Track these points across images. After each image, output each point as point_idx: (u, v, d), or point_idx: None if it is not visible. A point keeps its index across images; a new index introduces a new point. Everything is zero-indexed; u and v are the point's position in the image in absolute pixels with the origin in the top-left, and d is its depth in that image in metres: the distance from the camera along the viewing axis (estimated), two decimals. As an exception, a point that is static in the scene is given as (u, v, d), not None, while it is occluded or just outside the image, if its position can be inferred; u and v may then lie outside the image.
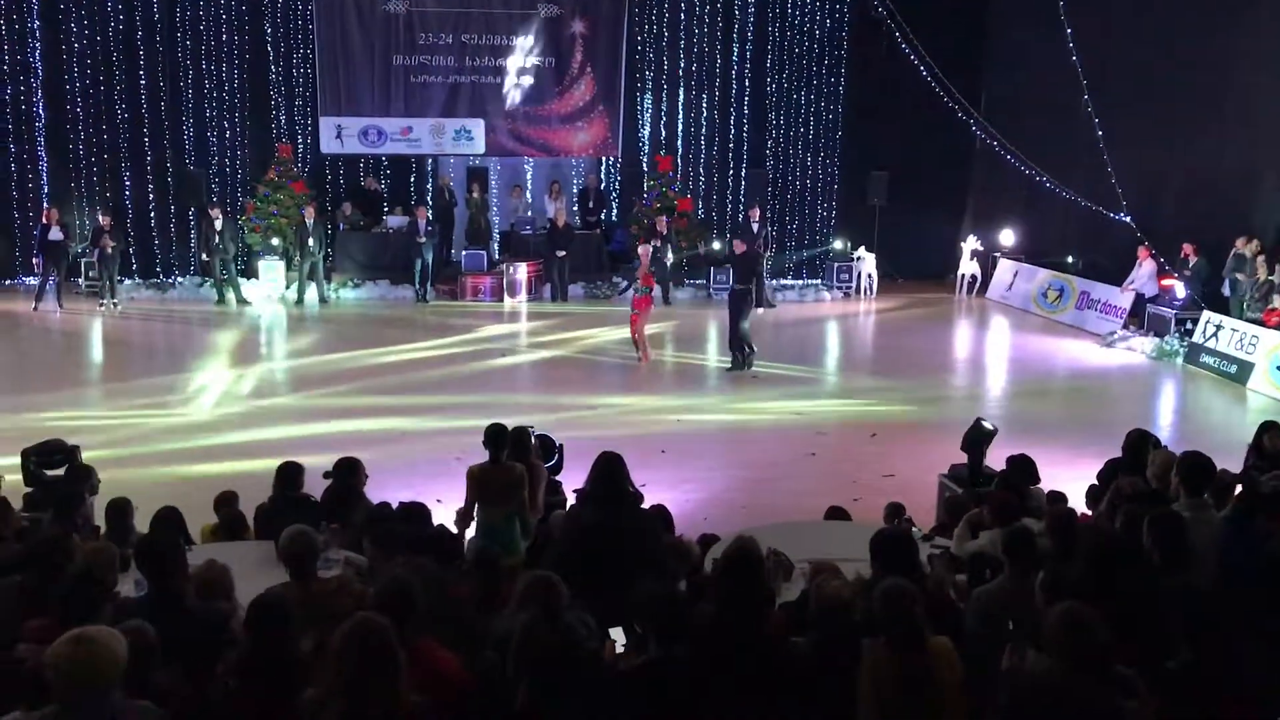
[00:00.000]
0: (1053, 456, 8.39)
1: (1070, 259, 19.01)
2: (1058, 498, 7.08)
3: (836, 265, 20.29)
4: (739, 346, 13.87)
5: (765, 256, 19.36)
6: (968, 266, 20.06)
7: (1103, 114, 16.75)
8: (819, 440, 11.26)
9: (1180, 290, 15.92)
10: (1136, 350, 15.68)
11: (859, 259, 19.95)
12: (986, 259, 20.17)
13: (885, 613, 3.95)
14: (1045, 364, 15.52)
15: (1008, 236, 20.13)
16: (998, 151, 18.65)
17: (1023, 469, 6.88)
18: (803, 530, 6.92)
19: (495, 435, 6.69)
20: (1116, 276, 17.18)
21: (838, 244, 20.46)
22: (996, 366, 15.91)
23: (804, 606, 4.76)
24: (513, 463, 6.58)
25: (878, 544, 4.79)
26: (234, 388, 12.93)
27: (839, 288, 20.12)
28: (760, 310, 18.36)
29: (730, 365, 13.97)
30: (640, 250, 14.50)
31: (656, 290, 18.63)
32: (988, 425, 7.92)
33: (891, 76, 19.28)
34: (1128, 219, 16.79)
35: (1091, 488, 7.30)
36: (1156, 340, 15.58)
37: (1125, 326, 16.48)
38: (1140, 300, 16.56)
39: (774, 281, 20.10)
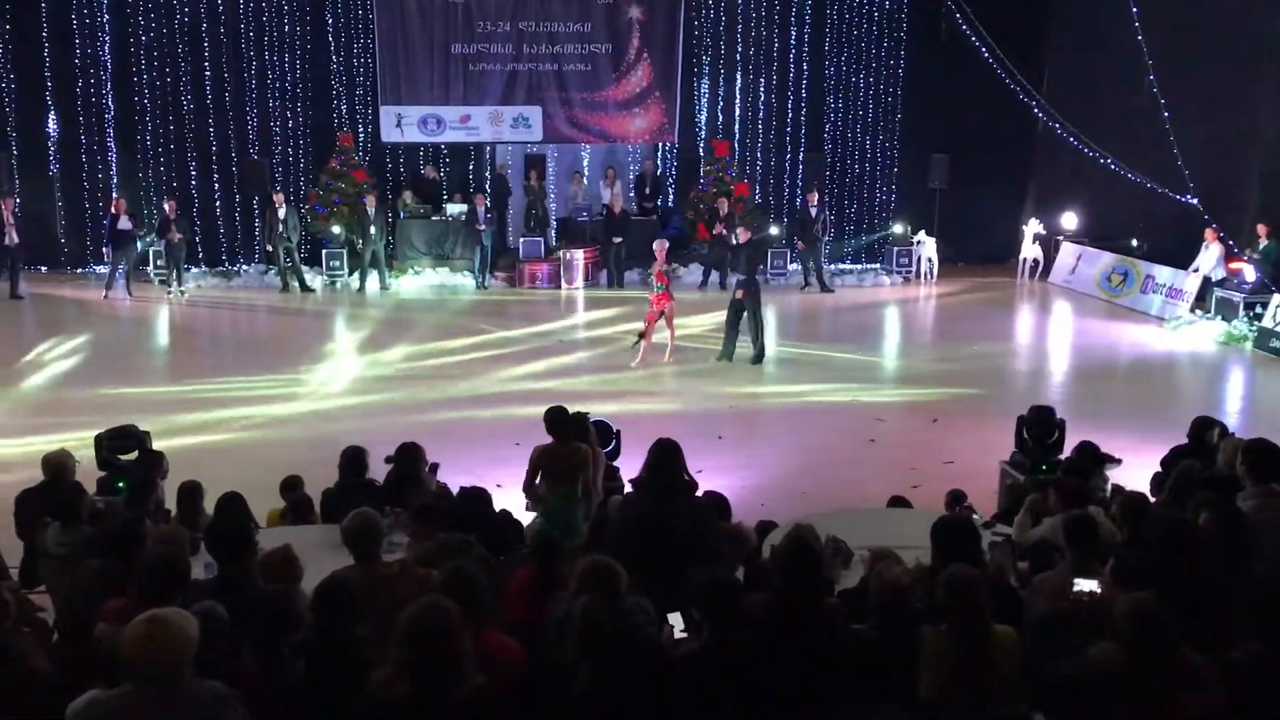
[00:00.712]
0: (1117, 443, 8.24)
1: (1135, 242, 18.65)
2: (1118, 491, 6.98)
3: (896, 249, 20.09)
4: (758, 336, 13.68)
5: (824, 241, 19.26)
6: (1030, 250, 19.76)
7: (1169, 92, 16.40)
8: (878, 426, 11.19)
9: (1249, 273, 15.56)
10: (1203, 335, 15.37)
11: (919, 243, 19.73)
12: (1049, 242, 19.85)
13: (949, 600, 3.93)
14: (1109, 349, 15.27)
15: (1070, 219, 19.80)
16: (1060, 133, 18.34)
17: (1088, 456, 6.80)
18: (862, 517, 6.91)
19: (558, 417, 6.77)
20: (1183, 260, 16.83)
21: (897, 228, 20.25)
22: (1059, 351, 15.68)
23: (863, 593, 4.76)
24: (577, 443, 6.66)
25: (939, 531, 4.77)
26: (300, 375, 13.12)
27: (899, 272, 19.93)
28: (806, 289, 18.35)
29: (755, 358, 13.66)
30: (655, 246, 13.80)
31: (705, 273, 18.70)
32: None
33: (951, 57, 19.01)
34: (1194, 200, 16.44)
35: (1156, 475, 7.19)
36: (1224, 325, 15.26)
37: (1192, 311, 16.16)
38: (1207, 284, 16.22)
39: (833, 266, 19.98)
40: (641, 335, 13.42)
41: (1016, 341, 16.09)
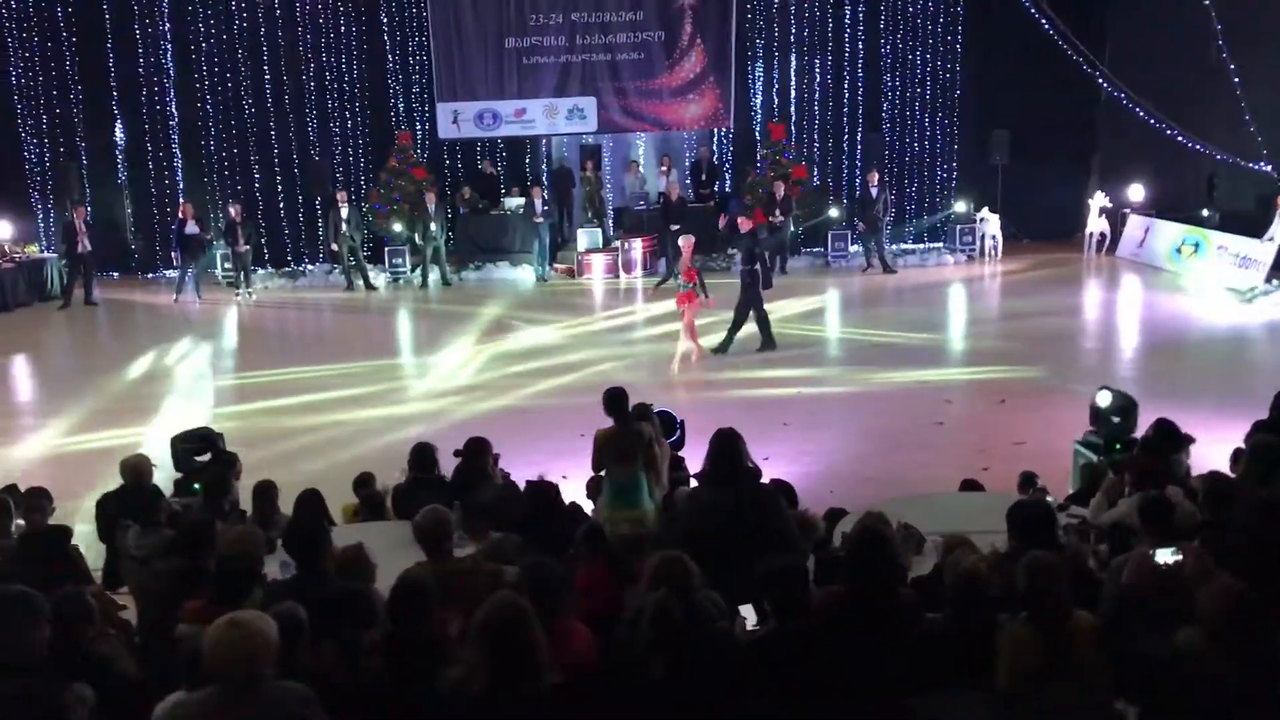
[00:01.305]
0: (1192, 420, 8.04)
1: (1205, 212, 18.20)
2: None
3: (959, 228, 19.81)
4: (765, 327, 13.44)
5: (885, 222, 19.04)
6: (1096, 224, 19.37)
7: (1237, 57, 15.95)
8: (945, 408, 11.05)
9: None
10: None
11: (982, 220, 19.43)
12: (1115, 215, 19.44)
13: (1029, 587, 3.86)
14: (1181, 323, 14.91)
15: (1137, 191, 19.37)
16: (1125, 103, 17.93)
17: (1165, 434, 6.64)
18: (933, 502, 6.83)
19: (616, 398, 6.79)
20: (1256, 229, 16.38)
21: (959, 206, 19.95)
22: (1129, 327, 15.36)
23: (936, 581, 4.70)
24: (638, 425, 6.66)
25: (1015, 516, 4.69)
26: (367, 371, 13.27)
27: (962, 251, 19.65)
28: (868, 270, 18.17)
29: (761, 345, 13.44)
30: (681, 243, 13.18)
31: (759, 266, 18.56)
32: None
33: (1011, 31, 18.67)
34: (1268, 167, 15.98)
35: (1237, 450, 7.01)
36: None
37: (1267, 281, 15.72)
38: (1283, 252, 15.78)
39: (895, 247, 19.75)
40: (688, 336, 12.83)
41: (1085, 317, 15.78)
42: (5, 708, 3.69)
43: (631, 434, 6.68)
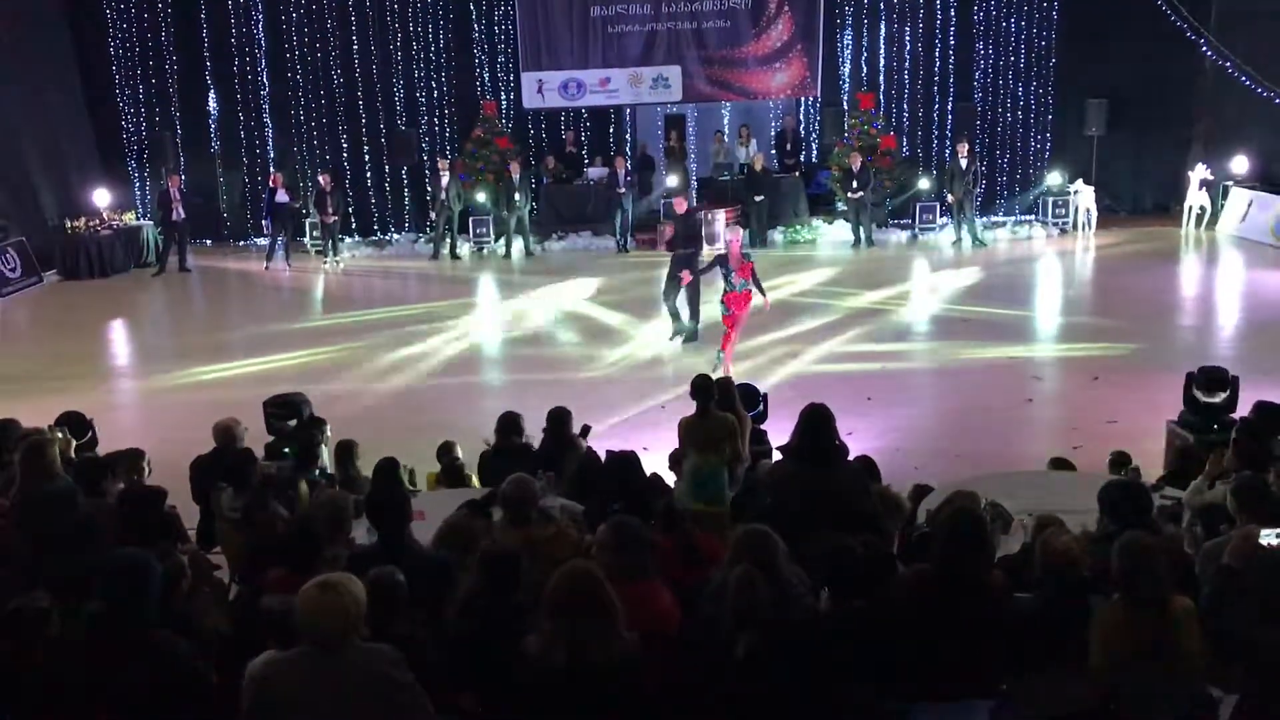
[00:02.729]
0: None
1: (1313, 185, 17.51)
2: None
3: (1052, 200, 19.31)
4: (694, 314, 12.66)
5: (975, 193, 18.65)
6: (1196, 198, 18.71)
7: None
8: (1035, 385, 10.83)
9: None
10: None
11: (1076, 193, 18.90)
12: (1217, 188, 18.75)
13: (1127, 569, 3.76)
14: (1286, 300, 14.40)
15: (1241, 163, 18.66)
16: (1230, 72, 17.27)
17: (1266, 415, 6.42)
18: (1021, 480, 6.70)
19: (701, 387, 6.77)
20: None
21: (1053, 178, 19.43)
22: (1229, 304, 14.85)
23: (1024, 561, 4.61)
24: (723, 413, 6.63)
25: (1108, 495, 4.58)
26: (451, 339, 13.42)
27: (1055, 224, 19.16)
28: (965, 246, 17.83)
29: (676, 334, 12.70)
30: (730, 238, 11.83)
31: (854, 229, 18.33)
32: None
33: (1110, -5, 18.10)
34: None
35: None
36: None
37: (1379, 257, 15.11)
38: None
39: (985, 219, 19.34)
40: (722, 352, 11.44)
41: (1182, 294, 15.31)
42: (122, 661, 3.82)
43: (713, 423, 6.64)
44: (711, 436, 6.57)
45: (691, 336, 12.69)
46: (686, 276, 12.30)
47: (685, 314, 12.71)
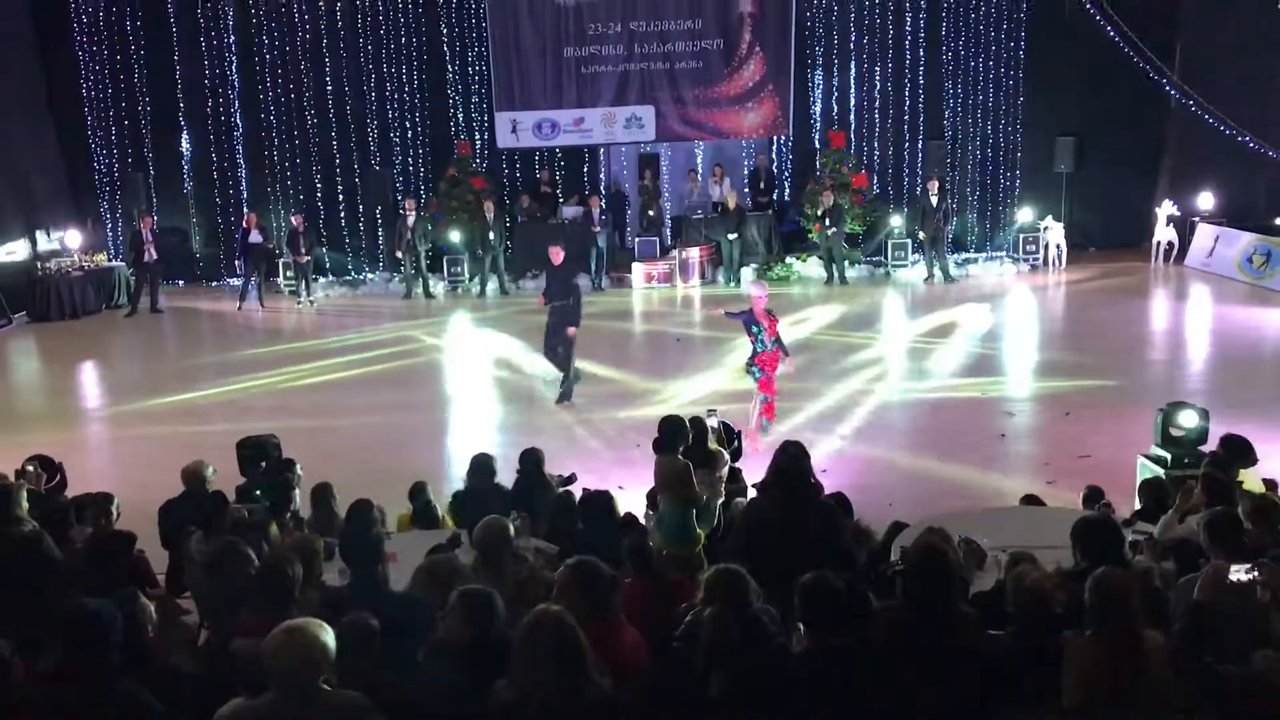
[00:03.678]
0: (1266, 434, 7.87)
1: (1278, 220, 17.75)
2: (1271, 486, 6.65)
3: (1022, 236, 19.51)
4: (572, 371, 12.04)
5: (946, 230, 18.83)
6: (1164, 233, 18.96)
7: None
8: (1007, 420, 10.88)
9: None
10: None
11: (1046, 229, 19.12)
12: (1184, 224, 19.03)
13: (1099, 605, 3.77)
14: (1253, 335, 14.55)
15: (1206, 199, 18.94)
16: (1194, 110, 17.57)
17: (1235, 449, 6.48)
18: (995, 517, 6.72)
19: (661, 428, 6.75)
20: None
21: (1023, 214, 19.65)
22: (1198, 338, 15.01)
23: (998, 597, 4.61)
24: (675, 457, 6.59)
25: (1081, 531, 4.59)
26: (424, 379, 13.37)
27: (1025, 260, 19.35)
28: (931, 280, 17.97)
29: (564, 397, 11.95)
30: (757, 293, 10.61)
31: (826, 266, 18.45)
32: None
33: (1076, 36, 18.38)
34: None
35: (1311, 468, 6.82)
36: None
37: (1343, 291, 15.33)
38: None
39: (956, 256, 19.51)
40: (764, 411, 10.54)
41: (1152, 328, 15.47)
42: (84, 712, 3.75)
43: (671, 468, 6.60)
44: (668, 477, 6.55)
45: (569, 395, 11.96)
46: (572, 331, 11.76)
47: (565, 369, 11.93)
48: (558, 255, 12.39)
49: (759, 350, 10.20)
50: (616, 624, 4.26)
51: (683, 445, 6.69)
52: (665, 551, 6.23)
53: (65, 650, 3.82)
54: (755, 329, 10.24)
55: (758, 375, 10.30)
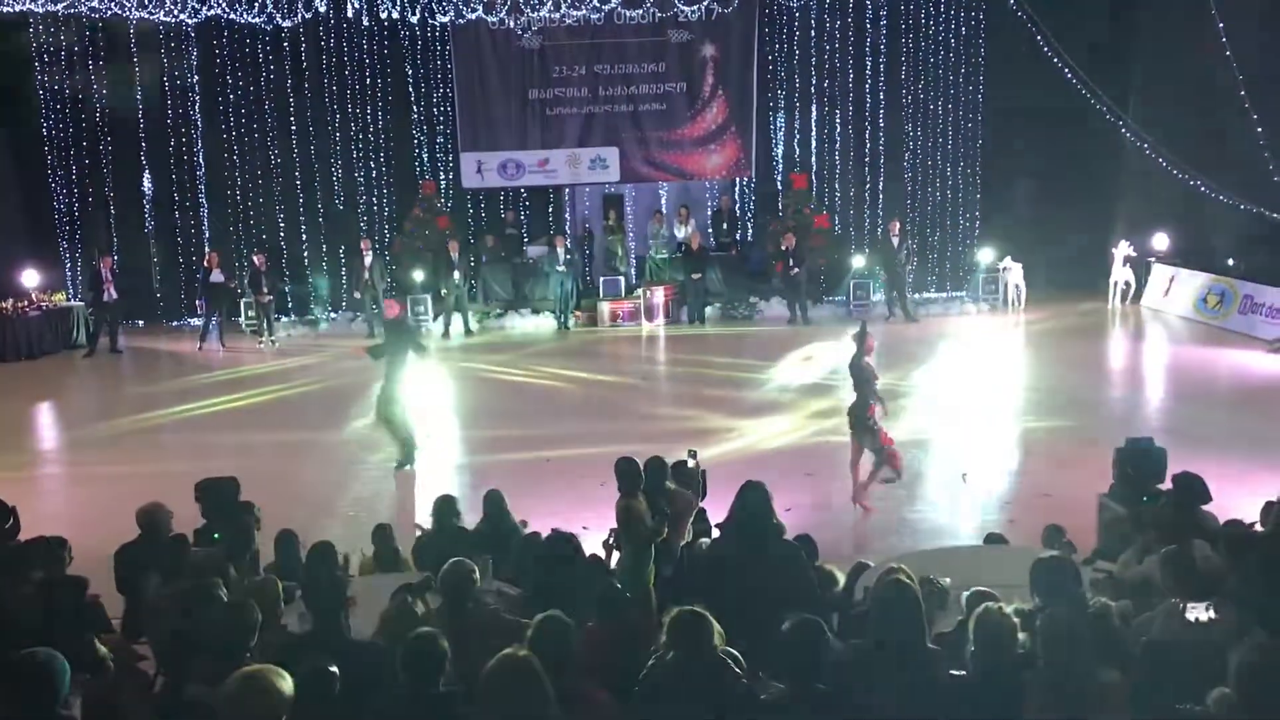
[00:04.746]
0: (1223, 471, 7.98)
1: (1231, 261, 18.10)
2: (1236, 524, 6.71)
3: (982, 277, 19.76)
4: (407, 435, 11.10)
5: (909, 269, 19.04)
6: (1120, 273, 19.27)
7: (1261, 108, 15.93)
8: (970, 461, 10.94)
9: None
10: (1309, 355, 14.83)
11: (1005, 269, 19.38)
12: (1140, 265, 19.35)
13: (1050, 646, 3.79)
14: (1208, 373, 14.78)
15: (1162, 240, 19.29)
16: (1149, 153, 17.92)
17: (1190, 488, 6.55)
18: (957, 555, 6.75)
19: (619, 469, 6.73)
20: (1283, 278, 16.28)
21: (983, 255, 19.89)
22: (1155, 377, 15.23)
23: (961, 637, 4.63)
24: (623, 498, 6.58)
25: (1038, 572, 4.62)
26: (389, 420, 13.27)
27: (985, 300, 19.59)
28: (896, 318, 18.12)
29: (405, 462, 11.06)
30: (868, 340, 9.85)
31: (789, 306, 18.56)
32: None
33: (1033, 80, 18.73)
34: (1292, 217, 15.92)
35: (1268, 504, 6.90)
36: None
37: (1295, 330, 15.59)
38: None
39: (917, 295, 19.71)
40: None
41: (1110, 367, 15.66)
42: None
43: (622, 509, 6.58)
44: (621, 519, 6.54)
45: (410, 459, 11.11)
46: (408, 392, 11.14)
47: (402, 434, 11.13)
48: (393, 308, 12.08)
49: (872, 401, 9.50)
50: (585, 690, 4.15)
51: (638, 486, 6.67)
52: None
53: (9, 701, 3.72)
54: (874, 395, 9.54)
55: (875, 427, 9.47)
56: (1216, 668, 4.00)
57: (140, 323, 19.82)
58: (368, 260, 18.54)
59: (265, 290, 18.19)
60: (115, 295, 17.98)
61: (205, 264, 18.58)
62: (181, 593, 5.73)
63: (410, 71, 20.07)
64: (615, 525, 6.81)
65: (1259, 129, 15.91)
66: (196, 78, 19.62)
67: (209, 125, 19.75)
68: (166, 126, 19.60)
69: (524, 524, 7.48)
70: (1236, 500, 7.48)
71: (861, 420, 9.40)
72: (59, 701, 3.78)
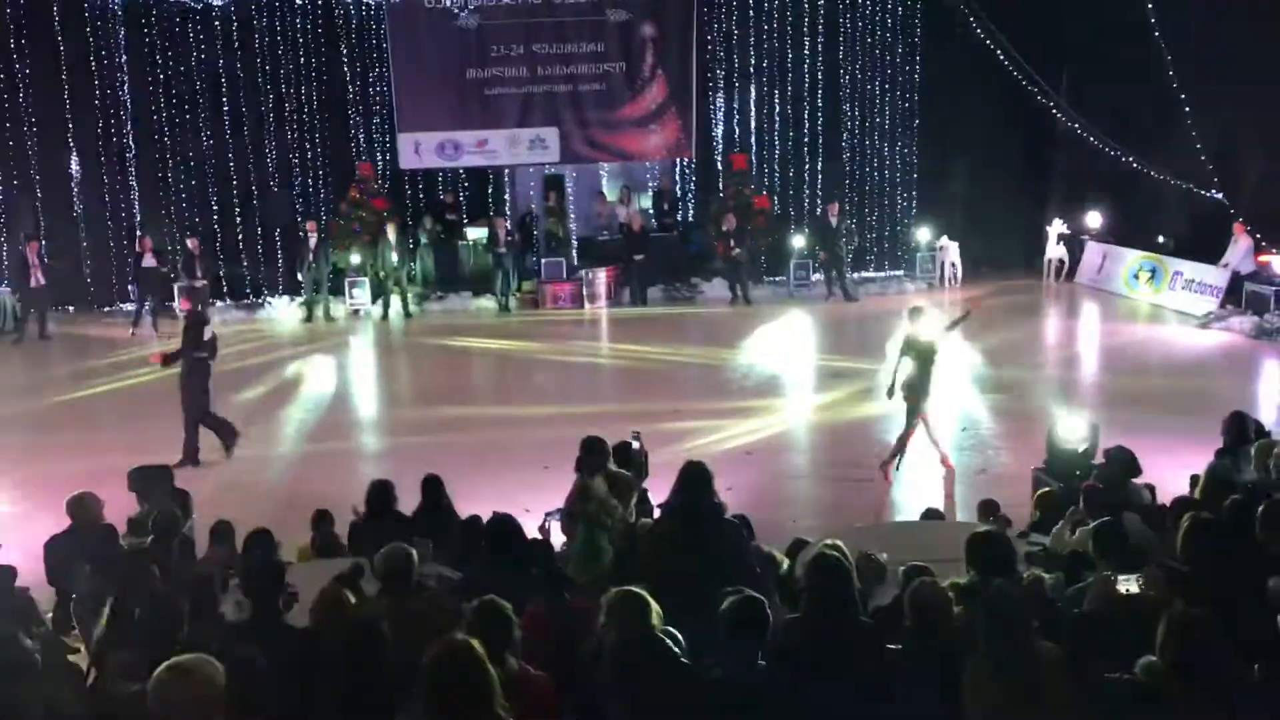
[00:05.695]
0: (1153, 445, 8.14)
1: (1161, 239, 18.46)
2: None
3: (919, 255, 19.96)
4: (219, 425, 10.89)
5: (848, 250, 19.17)
6: (1054, 251, 19.58)
7: (1188, 87, 16.24)
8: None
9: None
10: (1235, 330, 15.19)
11: (942, 248, 19.60)
12: (1074, 242, 19.67)
13: (991, 620, 3.85)
14: (1140, 348, 15.09)
15: (1095, 218, 19.60)
16: (1081, 132, 18.19)
17: (1122, 462, 6.69)
18: (895, 531, 6.83)
19: (583, 447, 6.72)
20: (1212, 255, 16.63)
21: (920, 234, 20.09)
22: (1088, 353, 15.50)
23: (897, 611, 4.68)
24: (581, 477, 6.58)
25: (973, 547, 4.69)
26: (325, 405, 13.14)
27: (922, 278, 19.80)
28: (841, 298, 18.27)
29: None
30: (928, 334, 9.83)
31: (731, 287, 18.64)
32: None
33: (967, 61, 18.93)
34: (1219, 195, 16.24)
35: (1194, 477, 7.07)
36: (1256, 319, 15.06)
37: (1222, 306, 15.96)
38: (1238, 278, 16.02)
39: (856, 275, 19.86)
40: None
41: (1045, 344, 15.92)
42: None
43: (579, 490, 6.58)
44: (583, 499, 6.54)
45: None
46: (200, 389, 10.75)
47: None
48: (186, 303, 11.67)
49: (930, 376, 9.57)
50: (525, 673, 4.13)
51: (602, 466, 6.67)
52: (576, 576, 6.18)
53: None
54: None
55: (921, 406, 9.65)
56: (1146, 637, 4.09)
57: (70, 308, 19.34)
58: (312, 242, 18.27)
59: (200, 274, 17.85)
60: (43, 280, 17.54)
61: (138, 249, 18.19)
62: (110, 584, 5.64)
63: (345, 50, 19.74)
64: (560, 506, 6.80)
65: (1186, 108, 16.20)
66: (124, 58, 19.14)
67: (138, 106, 19.27)
68: (95, 108, 19.08)
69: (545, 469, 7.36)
70: (1166, 473, 7.66)
71: (923, 391, 9.53)
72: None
